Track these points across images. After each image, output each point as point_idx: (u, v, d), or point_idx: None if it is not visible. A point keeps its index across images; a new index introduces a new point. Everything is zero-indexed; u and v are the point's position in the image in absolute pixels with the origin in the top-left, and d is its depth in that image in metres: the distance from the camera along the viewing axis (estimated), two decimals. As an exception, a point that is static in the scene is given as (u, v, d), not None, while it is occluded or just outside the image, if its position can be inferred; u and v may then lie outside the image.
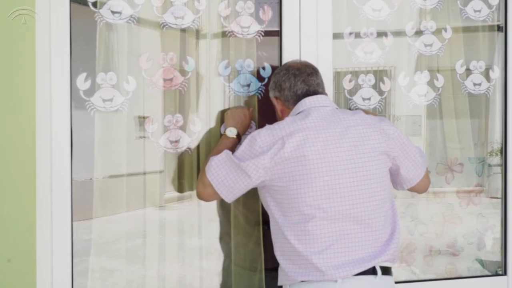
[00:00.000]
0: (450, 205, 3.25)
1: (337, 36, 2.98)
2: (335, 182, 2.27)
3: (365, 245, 2.29)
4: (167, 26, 2.79)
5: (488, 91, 3.24)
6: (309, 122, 2.34)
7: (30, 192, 2.54)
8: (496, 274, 3.22)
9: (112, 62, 2.75)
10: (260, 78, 2.89)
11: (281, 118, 2.55)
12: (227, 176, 2.35)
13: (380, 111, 3.10)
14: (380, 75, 3.09)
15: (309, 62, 2.64)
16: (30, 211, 2.53)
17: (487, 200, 3.30)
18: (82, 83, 2.68)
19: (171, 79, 2.79)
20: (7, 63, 2.50)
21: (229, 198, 2.40)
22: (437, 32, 3.14)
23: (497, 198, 3.26)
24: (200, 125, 2.83)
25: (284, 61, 2.84)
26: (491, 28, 3.25)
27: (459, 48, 3.20)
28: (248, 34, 2.88)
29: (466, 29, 3.22)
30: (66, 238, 2.64)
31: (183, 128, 2.81)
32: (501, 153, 3.23)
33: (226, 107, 2.88)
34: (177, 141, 2.80)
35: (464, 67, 3.20)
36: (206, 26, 2.86)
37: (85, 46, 2.72)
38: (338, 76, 3.03)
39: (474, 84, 3.21)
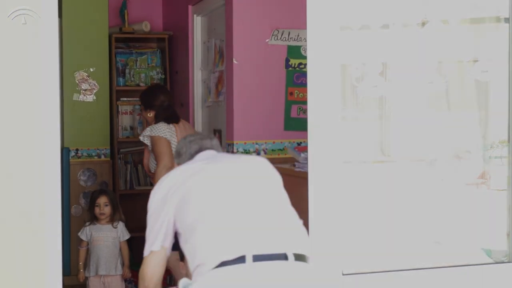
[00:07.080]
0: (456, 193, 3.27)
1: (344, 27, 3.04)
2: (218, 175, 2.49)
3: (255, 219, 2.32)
4: None
5: (494, 78, 3.22)
6: (195, 161, 2.66)
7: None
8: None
9: None
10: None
11: None
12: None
13: (385, 99, 3.17)
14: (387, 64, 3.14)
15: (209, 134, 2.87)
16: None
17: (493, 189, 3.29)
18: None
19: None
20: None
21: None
22: (444, 21, 3.16)
23: (500, 190, 3.24)
24: None
25: None
26: (497, 18, 3.24)
27: (467, 37, 3.21)
28: None
29: (474, 18, 3.22)
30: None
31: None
32: (508, 141, 3.21)
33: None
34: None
35: (472, 55, 3.20)
36: None
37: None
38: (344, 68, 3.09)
39: (482, 72, 3.21)
